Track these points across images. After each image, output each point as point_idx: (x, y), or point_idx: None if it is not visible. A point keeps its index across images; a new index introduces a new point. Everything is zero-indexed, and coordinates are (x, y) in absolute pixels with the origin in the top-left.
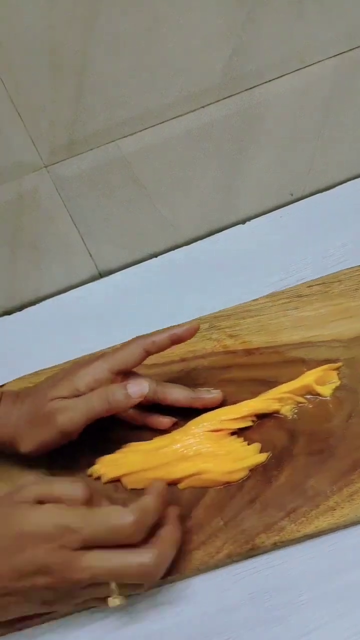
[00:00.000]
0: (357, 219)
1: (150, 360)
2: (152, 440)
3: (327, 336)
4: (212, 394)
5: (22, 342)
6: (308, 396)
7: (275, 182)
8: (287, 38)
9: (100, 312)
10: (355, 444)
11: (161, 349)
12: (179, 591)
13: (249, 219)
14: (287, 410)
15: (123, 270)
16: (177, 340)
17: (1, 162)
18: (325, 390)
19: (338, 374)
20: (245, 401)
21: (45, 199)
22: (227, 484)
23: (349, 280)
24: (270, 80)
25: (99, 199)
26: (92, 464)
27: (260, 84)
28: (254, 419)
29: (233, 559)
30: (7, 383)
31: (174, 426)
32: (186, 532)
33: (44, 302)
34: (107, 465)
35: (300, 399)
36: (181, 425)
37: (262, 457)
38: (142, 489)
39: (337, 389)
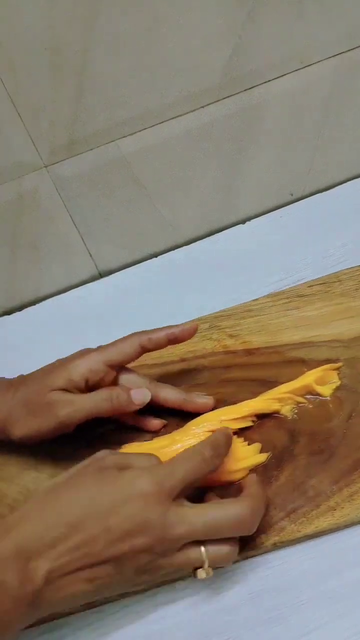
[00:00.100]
0: (357, 219)
1: (151, 360)
2: (152, 440)
3: (327, 336)
4: (204, 399)
5: (22, 342)
6: (308, 396)
7: (275, 182)
8: (287, 38)
9: (100, 312)
10: (356, 444)
11: (158, 346)
12: (179, 591)
13: (249, 219)
14: (287, 410)
15: (123, 270)
16: (174, 340)
17: (1, 162)
18: (326, 390)
19: (338, 374)
20: (246, 401)
21: (45, 199)
22: (227, 483)
23: (349, 280)
24: (270, 80)
25: (99, 199)
26: None
27: (260, 84)
28: (254, 419)
29: None
30: None
31: (164, 428)
32: None
33: (44, 302)
34: None
35: (301, 399)
36: (181, 426)
37: (262, 457)
38: None
39: (337, 389)
